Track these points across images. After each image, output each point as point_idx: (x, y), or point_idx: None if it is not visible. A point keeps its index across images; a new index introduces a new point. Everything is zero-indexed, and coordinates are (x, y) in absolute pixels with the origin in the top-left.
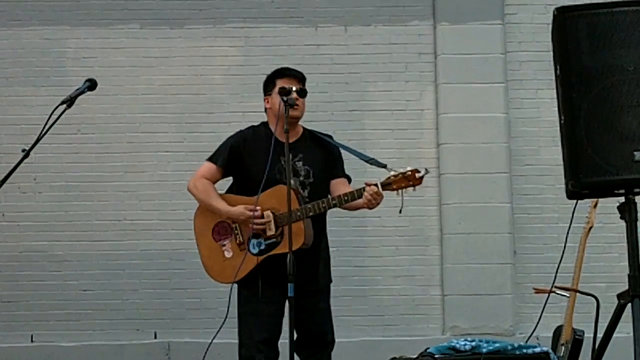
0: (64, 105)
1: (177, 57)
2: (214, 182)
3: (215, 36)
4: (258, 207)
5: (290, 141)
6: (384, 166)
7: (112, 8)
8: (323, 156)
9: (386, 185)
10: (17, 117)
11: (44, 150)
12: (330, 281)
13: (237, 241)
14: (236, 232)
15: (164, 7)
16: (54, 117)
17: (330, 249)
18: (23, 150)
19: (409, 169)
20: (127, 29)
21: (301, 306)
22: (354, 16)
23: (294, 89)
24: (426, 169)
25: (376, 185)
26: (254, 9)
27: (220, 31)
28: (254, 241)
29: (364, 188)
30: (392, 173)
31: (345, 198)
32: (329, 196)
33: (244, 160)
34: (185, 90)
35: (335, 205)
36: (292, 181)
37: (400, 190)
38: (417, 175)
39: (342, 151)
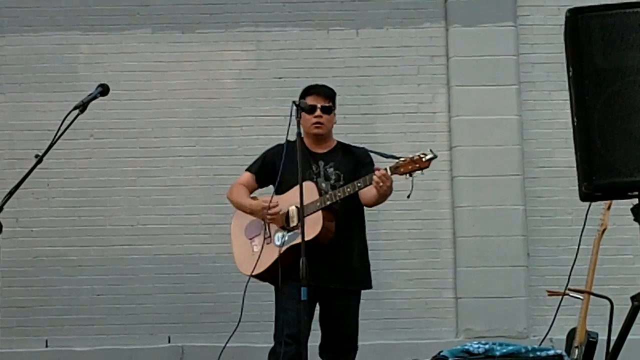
0: (77, 111)
1: (188, 61)
2: (251, 190)
3: (227, 40)
4: (275, 202)
5: (323, 151)
6: (398, 158)
7: (124, 13)
8: (354, 163)
9: (395, 169)
10: (30, 122)
11: (57, 156)
12: (366, 288)
13: (265, 235)
14: (265, 227)
15: (176, 12)
16: (67, 122)
17: None
18: (36, 156)
19: (416, 153)
20: (138, 33)
21: (330, 306)
22: (365, 19)
23: (318, 106)
24: (433, 152)
25: (385, 169)
26: (265, 12)
27: (231, 35)
28: (278, 234)
29: (374, 173)
30: (401, 158)
31: (359, 184)
32: (344, 186)
33: (277, 167)
34: (197, 95)
35: (349, 193)
36: (323, 184)
37: (408, 175)
38: (424, 158)
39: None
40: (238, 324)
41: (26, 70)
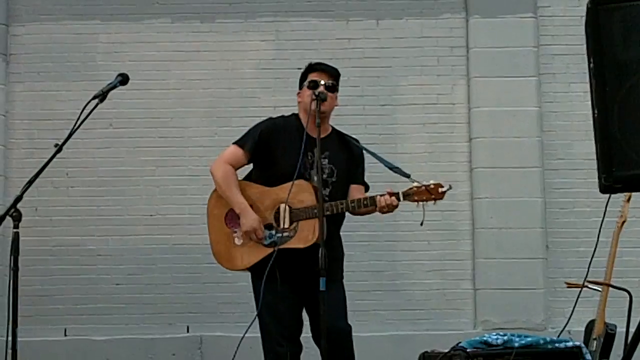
0: (96, 100)
1: (208, 51)
2: (238, 167)
3: (246, 30)
4: (261, 233)
5: (320, 137)
6: (408, 176)
7: (143, 2)
8: (347, 158)
9: (407, 195)
10: (49, 112)
11: (76, 145)
12: (342, 277)
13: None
14: None
15: (195, 2)
16: (86, 111)
17: (362, 244)
18: (55, 145)
19: (432, 182)
20: (158, 23)
21: (313, 300)
22: (385, 10)
23: (322, 82)
24: (450, 185)
25: (397, 196)
26: (284, 2)
27: (251, 25)
28: (266, 232)
29: (383, 195)
30: (415, 184)
31: (365, 202)
32: (348, 199)
33: (271, 148)
34: (216, 85)
35: (353, 208)
36: (315, 178)
37: (420, 203)
38: (440, 190)
39: (368, 156)
40: (257, 314)
41: (45, 59)
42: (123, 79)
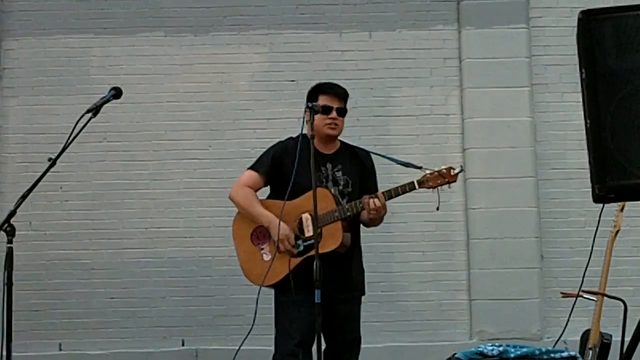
0: (90, 114)
1: (201, 64)
2: (256, 190)
3: (240, 43)
4: (292, 242)
5: (330, 152)
6: (420, 168)
7: (137, 16)
8: (360, 169)
9: (422, 182)
10: (43, 126)
11: (70, 159)
12: (363, 294)
13: (276, 244)
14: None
15: (188, 15)
16: (80, 125)
17: None
18: (49, 159)
19: (443, 167)
20: (151, 36)
21: (334, 313)
22: (378, 22)
23: (334, 107)
24: (461, 167)
25: (412, 185)
26: (278, 15)
27: (244, 38)
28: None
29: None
30: (428, 171)
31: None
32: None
33: (284, 168)
34: (210, 98)
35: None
36: (332, 190)
37: (436, 188)
38: (452, 172)
39: (378, 158)
40: (252, 327)
41: (39, 73)
42: (116, 93)
